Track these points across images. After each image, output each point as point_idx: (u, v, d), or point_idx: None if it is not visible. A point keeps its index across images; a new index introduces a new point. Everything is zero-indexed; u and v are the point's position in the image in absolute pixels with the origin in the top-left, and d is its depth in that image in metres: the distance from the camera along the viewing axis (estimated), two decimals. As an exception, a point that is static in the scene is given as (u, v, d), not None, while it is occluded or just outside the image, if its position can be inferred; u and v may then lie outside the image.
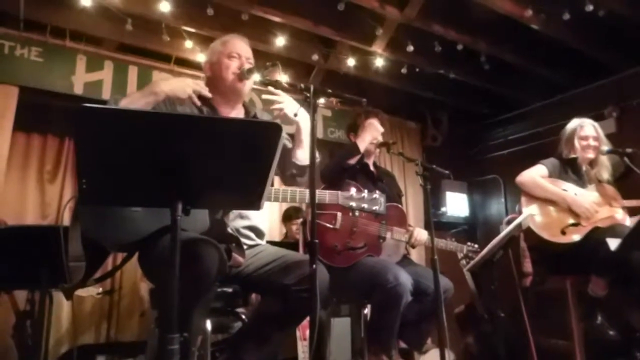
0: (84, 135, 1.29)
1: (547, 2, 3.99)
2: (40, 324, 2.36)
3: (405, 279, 2.50)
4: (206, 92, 1.96)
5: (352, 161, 2.81)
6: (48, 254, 1.89)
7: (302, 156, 2.11)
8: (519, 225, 2.83)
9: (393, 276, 2.48)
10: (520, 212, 3.14)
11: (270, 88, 2.03)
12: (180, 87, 1.88)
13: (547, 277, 3.15)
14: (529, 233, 3.07)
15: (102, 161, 1.35)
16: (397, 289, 2.46)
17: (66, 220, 1.78)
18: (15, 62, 3.83)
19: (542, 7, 4.04)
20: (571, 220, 3.04)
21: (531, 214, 3.02)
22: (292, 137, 2.16)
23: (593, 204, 3.07)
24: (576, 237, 2.98)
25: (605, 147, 3.25)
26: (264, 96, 2.04)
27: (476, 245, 3.13)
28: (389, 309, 2.48)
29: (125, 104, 1.82)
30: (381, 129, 2.93)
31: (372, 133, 2.87)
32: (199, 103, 1.94)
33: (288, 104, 2.05)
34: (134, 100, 1.83)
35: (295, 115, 2.00)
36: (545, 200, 3.13)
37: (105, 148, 1.32)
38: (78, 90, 4.06)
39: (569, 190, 3.12)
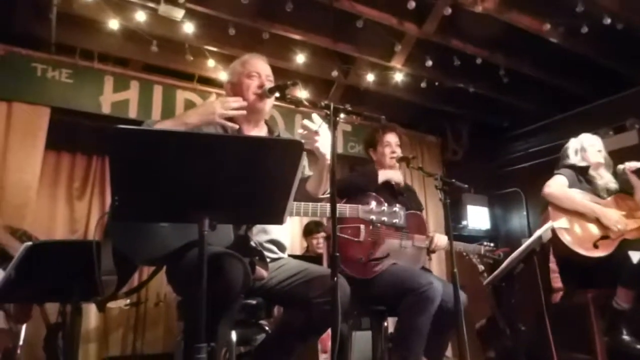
0: (118, 154, 1.36)
1: (565, 15, 4.01)
2: (71, 336, 2.42)
3: (437, 282, 2.52)
4: (238, 103, 1.96)
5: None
6: (81, 268, 1.97)
7: (316, 189, 2.09)
8: (539, 238, 2.83)
9: (425, 279, 2.50)
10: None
11: (313, 117, 1.96)
12: (208, 115, 1.90)
13: (575, 291, 3.11)
14: (557, 246, 3.04)
15: (134, 179, 1.42)
16: (429, 293, 2.47)
17: (94, 235, 1.85)
18: (47, 84, 4.00)
19: (560, 20, 4.06)
20: (600, 233, 3.02)
21: (552, 226, 3.00)
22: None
23: (621, 217, 3.05)
24: (608, 250, 2.96)
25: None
26: (305, 122, 1.98)
27: (492, 244, 3.12)
28: (421, 312, 2.49)
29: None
30: (400, 178, 2.93)
31: (396, 176, 2.88)
32: (230, 125, 1.97)
33: (324, 138, 1.97)
34: (166, 127, 1.88)
35: (320, 126, 1.98)
36: (573, 213, 3.09)
37: (137, 167, 1.39)
38: (106, 109, 4.21)
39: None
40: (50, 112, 3.99)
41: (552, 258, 3.24)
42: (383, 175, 2.88)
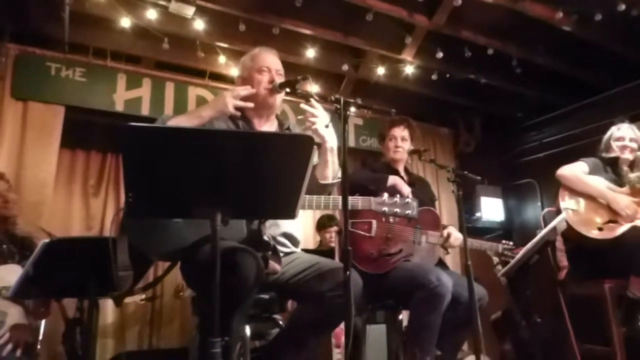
0: (131, 152, 1.38)
1: (578, 3, 3.95)
2: (89, 331, 2.46)
3: (447, 279, 2.51)
4: (247, 90, 1.99)
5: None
6: (97, 264, 2.00)
7: (323, 174, 2.09)
8: (554, 229, 2.81)
9: (435, 277, 2.50)
10: (558, 207, 3.11)
11: (310, 102, 2.01)
12: (221, 106, 1.93)
13: (584, 277, 3.10)
14: (566, 229, 3.03)
15: (148, 176, 1.44)
16: (439, 289, 2.47)
17: (110, 231, 1.87)
18: (61, 83, 4.04)
19: (573, 8, 4.00)
20: (608, 217, 3.01)
21: (566, 217, 2.98)
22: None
23: (632, 202, 3.02)
24: (612, 234, 2.94)
25: None
26: (302, 105, 2.02)
27: (511, 243, 3.10)
28: (431, 309, 2.49)
29: (172, 124, 1.91)
30: (408, 190, 2.88)
31: (403, 188, 2.84)
32: (239, 114, 2.00)
33: (321, 119, 2.01)
34: (180, 123, 1.91)
35: (327, 126, 2.01)
36: (584, 195, 3.10)
37: (150, 164, 1.41)
38: (119, 107, 4.25)
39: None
40: (65, 111, 4.04)
41: (559, 238, 3.23)
42: (392, 181, 2.87)
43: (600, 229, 2.97)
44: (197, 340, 1.89)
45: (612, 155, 3.25)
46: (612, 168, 3.24)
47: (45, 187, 3.84)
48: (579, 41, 4.35)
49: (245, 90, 1.99)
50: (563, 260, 3.18)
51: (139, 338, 4.35)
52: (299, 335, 2.02)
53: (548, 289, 3.12)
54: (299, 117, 2.04)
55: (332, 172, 2.09)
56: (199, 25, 3.91)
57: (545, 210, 3.33)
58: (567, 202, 3.08)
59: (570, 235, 3.04)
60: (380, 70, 4.68)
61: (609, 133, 3.34)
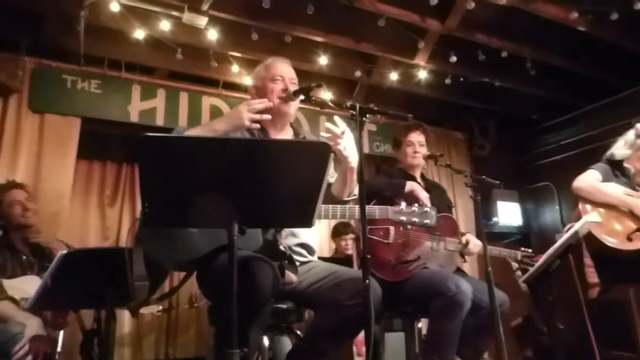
0: (148, 161, 1.38)
1: (593, 2, 3.89)
2: (106, 342, 2.47)
3: (466, 286, 2.48)
4: (263, 104, 1.94)
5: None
6: (114, 274, 2.00)
7: (341, 191, 2.08)
8: (576, 233, 2.75)
9: (454, 284, 2.46)
10: (577, 220, 3.04)
11: (334, 121, 1.97)
12: (236, 120, 1.90)
13: (612, 286, 3.03)
14: (590, 240, 2.96)
15: (164, 186, 1.43)
16: (458, 297, 2.44)
17: (126, 242, 1.87)
18: (77, 95, 4.08)
19: (588, 8, 3.94)
20: (635, 225, 2.93)
21: (588, 221, 2.92)
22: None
23: None
24: None
25: None
26: (327, 124, 1.97)
27: (530, 250, 3.05)
28: (450, 317, 2.45)
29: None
30: (425, 196, 2.84)
31: (421, 194, 2.81)
32: (257, 127, 1.97)
33: (345, 139, 1.96)
34: (195, 134, 1.90)
35: (343, 133, 1.99)
36: (604, 206, 3.02)
37: (166, 173, 1.41)
38: (134, 118, 4.28)
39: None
40: (81, 122, 4.07)
41: (585, 253, 3.16)
42: (409, 187, 2.84)
43: (629, 239, 2.89)
44: (214, 352, 1.88)
45: (619, 158, 3.17)
46: (620, 171, 3.16)
47: (62, 198, 3.87)
48: (595, 41, 4.29)
49: (261, 104, 1.94)
50: (593, 277, 3.08)
51: (156, 348, 4.36)
52: (317, 345, 1.99)
53: (570, 294, 3.05)
54: (323, 134, 1.98)
55: (349, 189, 2.09)
56: (212, 35, 3.93)
57: (569, 226, 3.25)
58: (590, 215, 2.99)
59: (594, 246, 2.97)
60: (393, 76, 4.66)
61: (622, 138, 3.26)
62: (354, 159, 2.00)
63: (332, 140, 1.94)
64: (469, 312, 2.53)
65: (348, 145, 1.96)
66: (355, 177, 2.04)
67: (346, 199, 2.10)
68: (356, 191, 2.08)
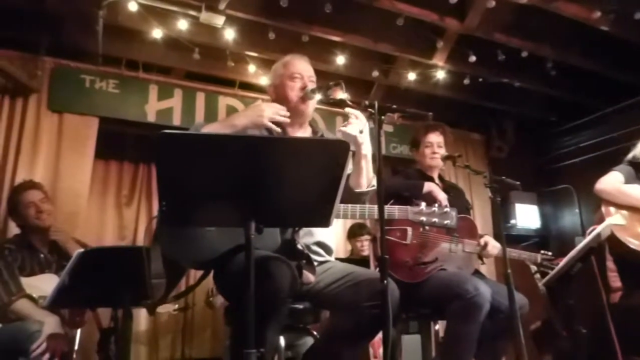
0: (166, 159, 1.37)
1: (616, 1, 3.82)
2: (123, 340, 2.48)
3: (485, 289, 2.43)
4: (283, 115, 1.95)
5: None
6: (131, 273, 2.01)
7: (357, 182, 2.04)
8: (598, 235, 2.69)
9: (472, 286, 2.41)
10: (600, 223, 2.98)
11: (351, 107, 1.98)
12: (256, 117, 1.90)
13: (635, 290, 2.96)
14: (613, 244, 2.90)
15: (181, 184, 1.42)
16: (476, 299, 2.39)
17: (143, 241, 1.87)
18: (95, 95, 4.12)
19: (611, 7, 3.87)
20: None
21: (611, 223, 2.86)
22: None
23: None
24: None
25: None
26: (346, 109, 1.98)
27: (550, 253, 3.00)
28: (469, 320, 2.41)
29: (205, 131, 1.90)
30: (444, 197, 2.80)
31: (439, 195, 2.77)
32: (278, 129, 1.96)
33: (359, 123, 1.97)
34: (213, 130, 1.89)
35: (361, 132, 1.97)
36: (628, 208, 2.95)
37: (184, 171, 1.40)
38: (151, 118, 4.30)
39: None
40: (99, 122, 4.10)
41: (608, 257, 3.09)
42: (427, 187, 2.80)
43: None
44: (230, 351, 1.87)
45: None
46: None
47: (80, 198, 3.90)
48: (616, 41, 4.21)
49: (282, 112, 1.95)
50: (616, 282, 3.01)
51: (172, 347, 4.37)
52: (334, 347, 1.96)
53: (591, 298, 2.99)
54: (341, 128, 1.98)
55: (366, 180, 2.05)
56: (229, 34, 3.93)
57: (590, 229, 3.18)
58: (613, 218, 2.93)
59: (617, 250, 2.91)
60: (411, 76, 4.63)
61: None
62: (366, 146, 1.99)
63: (347, 124, 1.95)
64: (487, 315, 2.48)
65: (364, 131, 1.96)
66: (370, 166, 2.02)
67: (366, 189, 2.05)
68: (374, 182, 2.04)
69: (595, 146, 5.34)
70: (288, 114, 1.98)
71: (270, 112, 1.90)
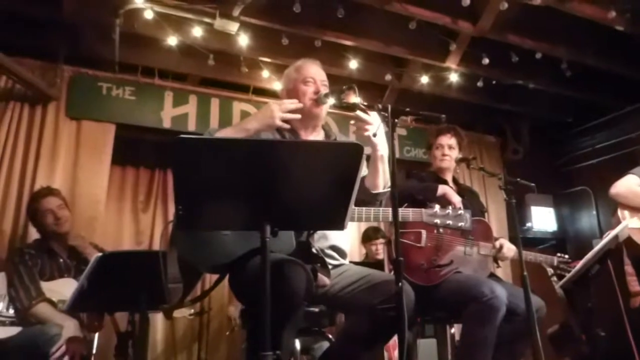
0: (182, 164, 1.39)
1: (631, 1, 3.78)
2: (140, 344, 2.50)
3: (501, 291, 2.41)
4: (294, 104, 1.96)
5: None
6: (148, 277, 2.03)
7: (374, 183, 2.04)
8: (616, 237, 2.66)
9: (489, 289, 2.39)
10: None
11: (363, 109, 1.98)
12: (267, 119, 1.91)
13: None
14: (631, 247, 2.86)
15: (197, 188, 1.44)
16: (493, 302, 2.37)
17: (159, 246, 1.89)
18: (112, 102, 4.18)
19: (627, 6, 3.83)
20: None
21: (629, 225, 2.82)
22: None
23: None
24: None
25: None
26: (357, 112, 1.98)
27: (567, 256, 2.97)
28: (485, 323, 2.38)
29: (219, 136, 1.92)
30: (458, 200, 2.79)
31: (454, 198, 2.76)
32: (287, 126, 1.98)
33: (373, 126, 1.96)
34: (227, 135, 1.92)
35: (375, 135, 1.97)
36: None
37: (199, 176, 1.41)
38: (166, 124, 4.35)
39: None
40: (116, 129, 4.16)
41: (626, 260, 3.05)
42: (442, 190, 2.80)
43: None
44: (246, 354, 1.88)
45: None
46: None
47: (97, 204, 3.96)
48: (633, 40, 4.16)
49: (292, 104, 1.96)
50: (635, 286, 2.97)
51: (188, 351, 4.39)
52: (349, 349, 1.97)
53: (609, 301, 2.95)
54: (351, 122, 1.99)
55: (382, 180, 2.04)
56: (243, 40, 3.97)
57: (607, 232, 3.14)
58: (630, 221, 2.89)
59: (635, 253, 2.87)
60: (424, 79, 4.62)
61: None
62: (382, 147, 1.99)
63: (360, 127, 1.95)
64: (504, 318, 2.46)
65: (378, 133, 1.95)
66: (387, 167, 2.01)
67: (383, 190, 2.05)
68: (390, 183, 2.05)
69: (612, 147, 5.28)
70: (300, 105, 2.00)
71: (280, 111, 1.91)
